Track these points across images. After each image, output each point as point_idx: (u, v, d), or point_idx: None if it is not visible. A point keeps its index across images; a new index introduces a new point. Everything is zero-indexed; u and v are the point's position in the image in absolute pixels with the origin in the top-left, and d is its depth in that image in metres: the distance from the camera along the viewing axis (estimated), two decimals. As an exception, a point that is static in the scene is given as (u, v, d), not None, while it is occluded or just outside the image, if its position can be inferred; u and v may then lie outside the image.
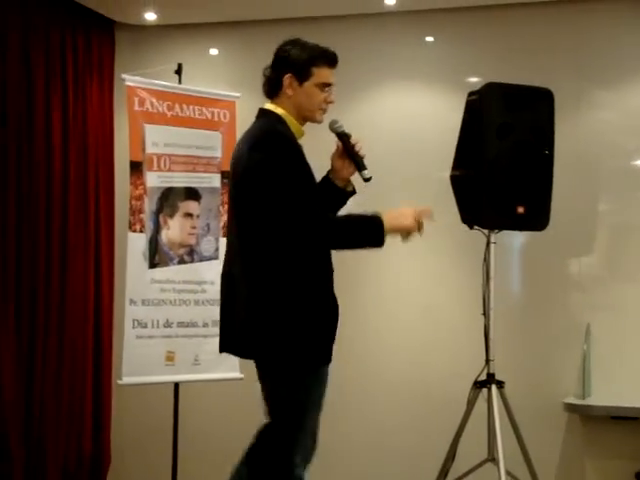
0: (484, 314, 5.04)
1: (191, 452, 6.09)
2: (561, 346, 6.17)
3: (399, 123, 6.51)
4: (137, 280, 5.45)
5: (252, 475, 3.75)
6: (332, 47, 6.37)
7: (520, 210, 4.91)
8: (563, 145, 5.16)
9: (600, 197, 6.27)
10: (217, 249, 5.60)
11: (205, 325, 5.56)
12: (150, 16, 6.59)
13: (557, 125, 5.08)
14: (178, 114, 5.58)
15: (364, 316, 6.47)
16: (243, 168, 3.68)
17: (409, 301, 6.43)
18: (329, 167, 3.96)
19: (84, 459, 6.39)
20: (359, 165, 3.82)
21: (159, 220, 5.51)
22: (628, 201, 6.22)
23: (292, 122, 3.77)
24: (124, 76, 5.57)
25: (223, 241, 5.37)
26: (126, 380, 5.40)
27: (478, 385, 5.00)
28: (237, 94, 5.83)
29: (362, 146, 3.85)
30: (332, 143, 3.90)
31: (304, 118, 3.81)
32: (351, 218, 3.76)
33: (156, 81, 5.67)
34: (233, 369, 5.53)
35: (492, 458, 4.94)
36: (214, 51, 6.96)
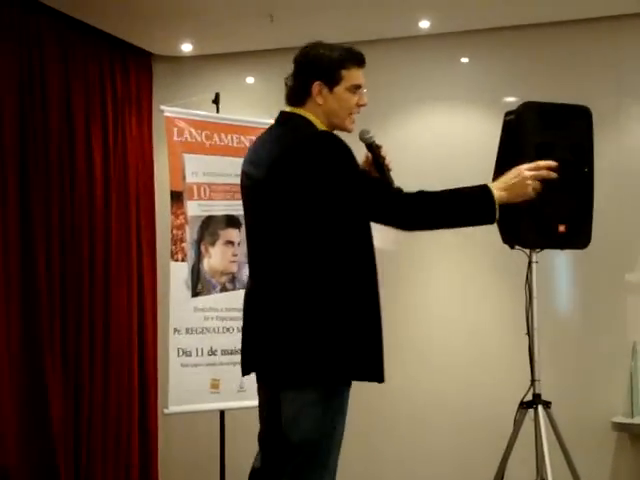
0: (528, 334, 5.03)
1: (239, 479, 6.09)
2: (608, 365, 6.13)
3: (437, 144, 6.53)
4: (180, 309, 5.47)
5: None
6: (370, 70, 6.41)
7: (561, 229, 4.89)
8: (603, 162, 5.15)
9: (643, 213, 6.25)
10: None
11: (232, 353, 5.55)
12: (186, 47, 6.65)
13: (596, 142, 5.07)
14: (216, 143, 5.61)
15: (408, 338, 6.47)
16: (298, 169, 3.35)
17: (452, 322, 6.41)
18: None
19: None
20: (387, 177, 3.61)
21: (200, 249, 5.53)
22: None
23: (321, 128, 3.49)
24: (162, 107, 5.62)
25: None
26: (172, 409, 5.41)
27: (524, 406, 4.95)
28: (269, 121, 5.85)
29: (391, 160, 3.63)
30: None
31: (334, 126, 3.53)
32: (447, 192, 3.62)
33: (194, 111, 5.71)
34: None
35: (541, 478, 4.92)
36: (250, 79, 7.00)
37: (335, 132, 3.49)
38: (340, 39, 6.33)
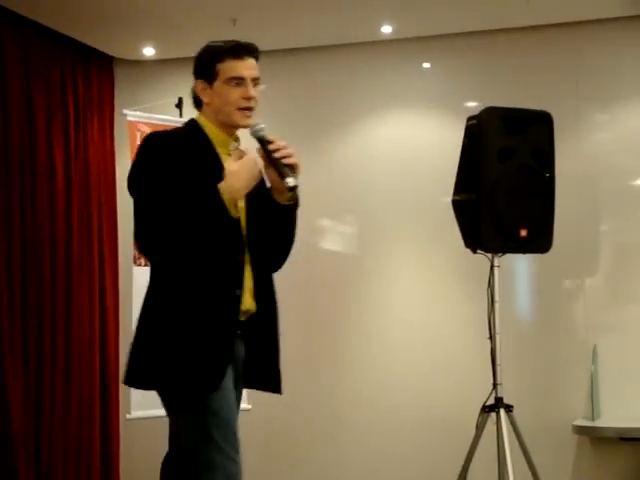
0: (490, 338, 5.04)
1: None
2: (569, 368, 6.15)
3: (399, 149, 6.52)
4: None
5: None
6: (333, 75, 6.40)
7: (523, 233, 4.91)
8: (564, 167, 5.18)
9: (602, 218, 6.28)
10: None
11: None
12: (149, 51, 6.62)
13: (557, 147, 5.10)
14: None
15: (368, 341, 6.49)
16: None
17: (414, 326, 6.41)
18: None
19: (93, 493, 6.36)
20: (281, 172, 3.26)
21: (162, 253, 5.50)
22: (629, 221, 6.23)
23: (212, 130, 3.35)
24: (125, 111, 5.60)
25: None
26: (134, 414, 5.39)
27: (486, 409, 4.97)
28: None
29: (289, 153, 3.28)
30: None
31: (224, 124, 3.36)
32: (177, 202, 3.13)
33: (157, 115, 5.69)
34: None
35: (503, 482, 4.93)
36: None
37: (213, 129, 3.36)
38: (303, 43, 6.40)
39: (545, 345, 6.22)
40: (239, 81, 3.30)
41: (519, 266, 6.23)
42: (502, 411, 4.95)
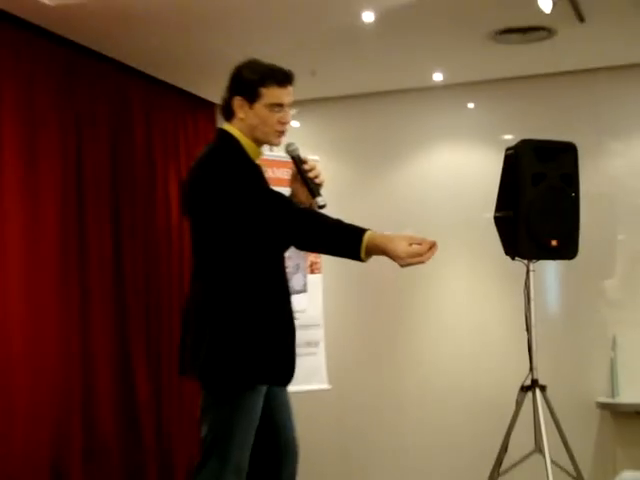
0: (527, 330, 5.01)
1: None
2: (593, 355, 6.08)
3: (449, 175, 6.50)
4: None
5: None
6: (394, 115, 6.36)
7: (553, 243, 4.89)
8: (587, 188, 5.12)
9: (618, 229, 6.19)
10: (305, 284, 5.59)
11: (298, 346, 5.52)
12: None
13: (581, 172, 5.05)
14: (270, 176, 5.59)
15: (425, 334, 6.47)
16: (192, 187, 3.08)
17: (463, 321, 6.38)
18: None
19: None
20: (312, 191, 3.07)
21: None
22: (641, 232, 6.18)
23: (246, 142, 3.09)
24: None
25: (310, 277, 5.41)
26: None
27: (524, 389, 4.96)
28: (316, 157, 5.85)
29: (319, 173, 3.10)
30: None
31: (257, 140, 3.11)
32: (331, 219, 2.90)
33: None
34: (321, 382, 5.50)
35: (539, 449, 4.88)
36: (295, 124, 7.00)
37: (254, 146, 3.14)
38: (370, 90, 6.39)
39: (572, 336, 6.15)
40: (280, 107, 3.06)
41: (550, 270, 6.17)
42: (537, 390, 4.92)
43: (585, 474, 5.17)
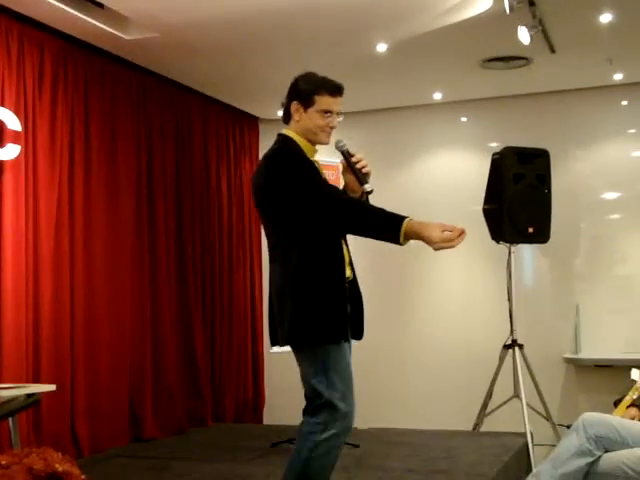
0: (508, 300, 5.01)
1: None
2: (560, 319, 6.04)
3: (446, 176, 6.45)
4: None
5: (300, 447, 2.81)
6: (399, 127, 6.35)
7: (530, 230, 4.89)
8: (557, 186, 5.12)
9: (581, 219, 6.14)
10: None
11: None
12: (281, 112, 6.60)
13: (552, 173, 5.04)
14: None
15: (425, 301, 6.45)
16: (262, 182, 2.89)
17: (456, 292, 6.33)
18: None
19: (248, 400, 6.41)
20: (360, 179, 2.93)
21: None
22: (599, 221, 6.11)
23: (302, 142, 2.93)
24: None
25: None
26: (274, 349, 5.42)
27: (506, 347, 4.98)
28: (338, 160, 5.85)
29: (365, 164, 2.94)
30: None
31: (310, 140, 2.95)
32: (375, 207, 2.79)
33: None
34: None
35: (517, 395, 4.89)
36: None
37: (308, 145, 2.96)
38: (378, 106, 6.36)
39: (544, 304, 6.12)
40: (329, 113, 2.92)
41: (527, 252, 6.13)
42: (516, 348, 4.94)
43: (554, 415, 5.20)
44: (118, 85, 5.20)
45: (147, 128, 5.46)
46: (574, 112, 6.12)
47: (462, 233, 2.69)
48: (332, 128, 2.93)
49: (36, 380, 4.35)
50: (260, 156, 6.55)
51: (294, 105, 2.92)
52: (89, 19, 4.50)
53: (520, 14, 4.32)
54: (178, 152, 5.80)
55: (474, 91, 6.17)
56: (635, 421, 3.55)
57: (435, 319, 6.38)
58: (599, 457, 3.35)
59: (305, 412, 2.81)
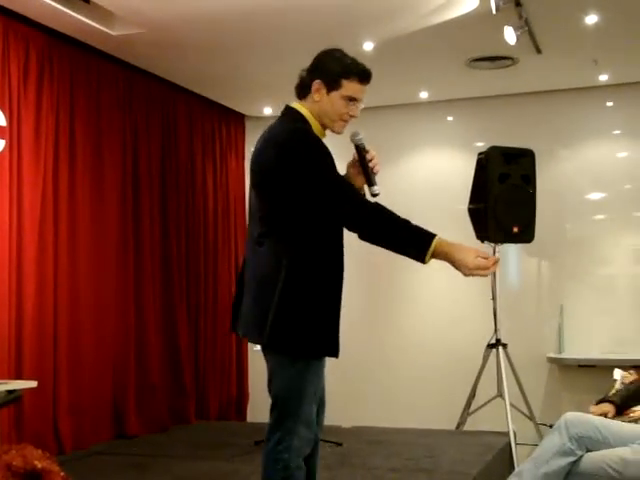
0: (493, 299, 5.02)
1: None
2: (544, 319, 6.07)
3: (431, 175, 6.47)
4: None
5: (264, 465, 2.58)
6: (386, 125, 6.35)
7: (515, 229, 4.89)
8: (542, 185, 5.12)
9: (566, 219, 6.17)
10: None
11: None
12: (267, 110, 6.64)
13: (537, 173, 5.05)
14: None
15: (408, 303, 6.45)
16: (273, 160, 2.53)
17: (440, 291, 6.32)
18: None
19: (232, 398, 6.40)
20: (369, 179, 2.66)
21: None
22: (584, 222, 6.14)
23: (314, 123, 2.62)
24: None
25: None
26: (257, 348, 5.41)
27: (490, 346, 4.99)
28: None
29: (377, 163, 2.69)
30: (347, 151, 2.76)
31: (324, 125, 2.63)
32: (401, 218, 2.50)
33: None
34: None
35: (500, 395, 4.91)
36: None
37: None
38: (365, 104, 6.34)
39: (528, 304, 6.14)
40: (354, 101, 2.62)
41: (512, 251, 6.13)
42: (500, 348, 4.95)
43: (537, 414, 5.21)
44: (104, 81, 5.18)
45: (133, 124, 5.44)
46: (560, 112, 6.14)
47: (496, 262, 2.46)
48: (352, 117, 2.64)
49: (18, 376, 4.32)
50: (247, 154, 6.69)
51: (316, 84, 2.59)
52: (75, 14, 4.47)
53: (506, 14, 4.33)
54: (164, 149, 5.77)
55: (460, 90, 6.19)
56: (617, 421, 3.57)
57: (419, 318, 6.39)
58: (581, 457, 3.37)
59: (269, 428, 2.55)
